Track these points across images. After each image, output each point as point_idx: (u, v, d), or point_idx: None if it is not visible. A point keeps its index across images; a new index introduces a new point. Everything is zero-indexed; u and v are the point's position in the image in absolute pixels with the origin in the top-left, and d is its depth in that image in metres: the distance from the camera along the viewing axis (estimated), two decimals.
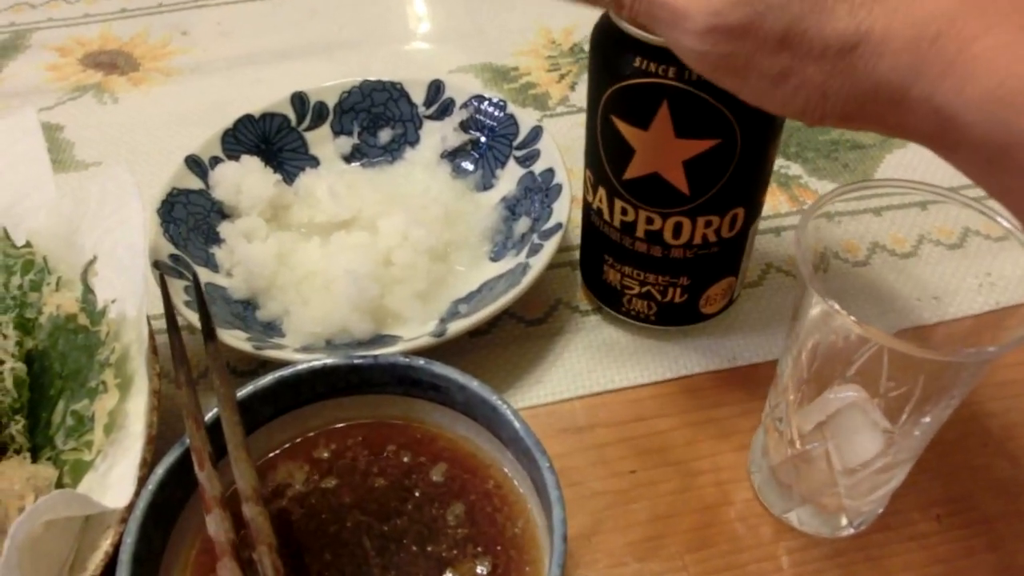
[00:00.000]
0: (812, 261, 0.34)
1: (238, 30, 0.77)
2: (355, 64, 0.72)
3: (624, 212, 0.42)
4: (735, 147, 0.38)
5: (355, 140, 0.58)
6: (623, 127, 0.39)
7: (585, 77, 0.69)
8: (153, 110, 0.67)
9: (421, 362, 0.37)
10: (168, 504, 0.34)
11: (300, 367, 0.38)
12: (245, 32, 0.77)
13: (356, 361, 0.38)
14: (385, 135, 0.58)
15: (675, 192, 0.40)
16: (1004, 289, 0.49)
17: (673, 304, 0.45)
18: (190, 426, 0.34)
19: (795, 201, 0.58)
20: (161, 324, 0.41)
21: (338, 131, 0.58)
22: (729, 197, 0.41)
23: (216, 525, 0.31)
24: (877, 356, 0.33)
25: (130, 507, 0.33)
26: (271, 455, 0.39)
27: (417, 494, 0.37)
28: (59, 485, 0.35)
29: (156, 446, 0.37)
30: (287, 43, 0.75)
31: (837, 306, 0.31)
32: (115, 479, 0.34)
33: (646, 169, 0.40)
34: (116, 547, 0.32)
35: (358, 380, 0.39)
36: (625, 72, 0.37)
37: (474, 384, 0.36)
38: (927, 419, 0.34)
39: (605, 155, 0.41)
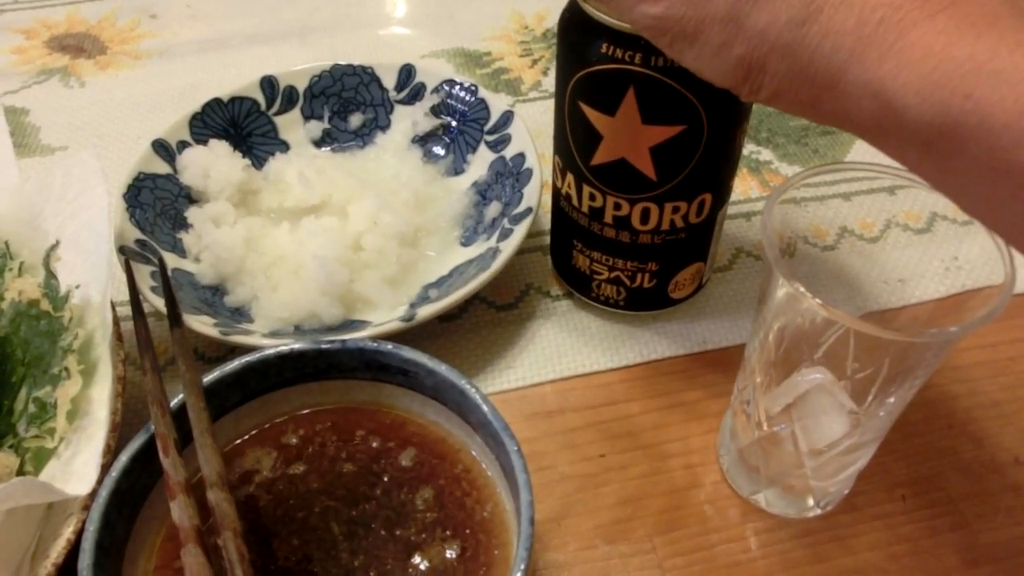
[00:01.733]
0: (779, 245, 0.34)
1: (208, 13, 0.76)
2: (327, 48, 0.71)
3: (592, 198, 0.42)
4: (702, 133, 0.38)
5: (325, 125, 0.57)
6: (590, 113, 0.39)
7: None
8: (121, 94, 0.67)
9: (389, 347, 0.37)
10: (133, 491, 0.34)
11: (267, 352, 0.37)
12: (215, 15, 0.76)
13: (324, 346, 0.38)
14: (356, 120, 0.58)
15: (642, 178, 0.40)
16: (970, 272, 0.49)
17: (642, 289, 0.46)
18: (155, 412, 0.34)
19: (765, 186, 0.58)
20: (128, 310, 0.41)
21: (308, 115, 0.57)
22: (696, 183, 0.41)
23: (180, 511, 0.31)
24: (843, 339, 0.33)
25: (93, 494, 0.32)
26: (239, 441, 0.38)
27: (386, 479, 0.37)
28: (21, 473, 0.35)
29: (121, 433, 0.36)
30: (258, 27, 0.74)
31: (803, 288, 0.31)
32: (78, 466, 0.34)
33: (613, 155, 0.40)
34: (79, 535, 0.32)
35: (326, 365, 0.38)
36: (592, 58, 0.37)
37: (442, 368, 0.36)
38: (892, 400, 0.34)
39: (573, 141, 0.41)
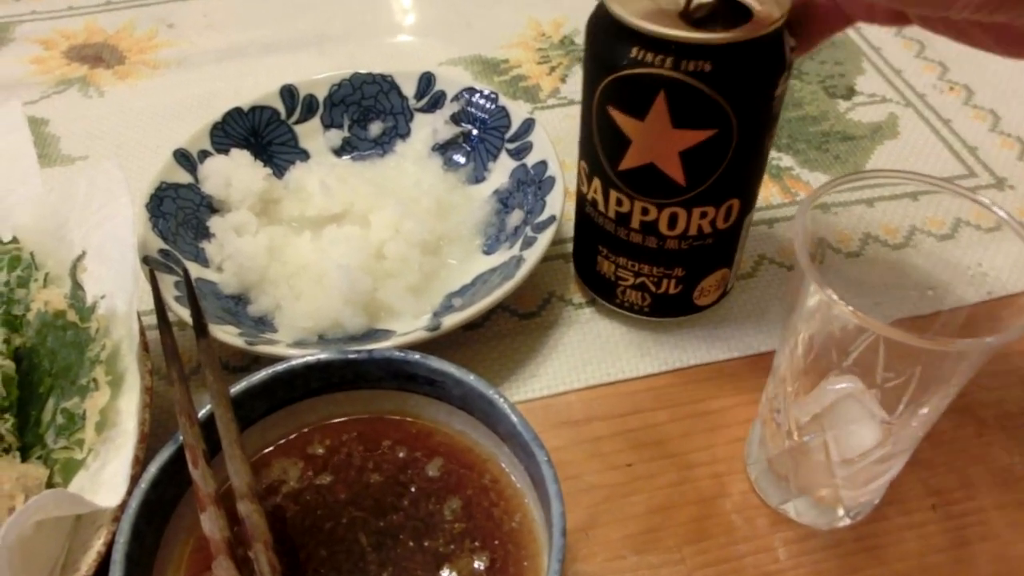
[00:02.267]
0: (810, 251, 0.34)
1: (225, 22, 0.76)
2: (344, 57, 0.72)
3: (619, 203, 0.42)
4: (731, 138, 0.38)
5: (345, 133, 0.57)
6: (619, 117, 0.39)
7: (576, 69, 0.69)
8: (140, 103, 0.67)
9: (417, 356, 0.37)
10: (161, 502, 0.34)
11: (294, 362, 0.37)
12: (232, 24, 0.76)
13: (351, 356, 0.37)
14: (376, 128, 0.58)
15: (671, 183, 0.40)
16: (996, 280, 0.49)
17: (667, 295, 0.45)
18: (183, 423, 0.34)
19: (787, 192, 0.58)
20: (152, 320, 0.41)
21: (328, 124, 0.57)
22: (725, 188, 0.40)
23: (211, 523, 0.31)
24: (874, 346, 0.33)
25: (123, 506, 0.32)
26: (265, 451, 0.38)
27: (413, 489, 0.37)
28: (50, 484, 0.35)
29: (149, 444, 0.36)
30: (275, 35, 0.74)
31: (835, 296, 0.31)
32: (107, 477, 0.34)
33: (642, 160, 0.39)
34: (109, 546, 0.32)
35: (353, 375, 0.38)
36: (621, 63, 0.37)
37: (471, 378, 0.36)
38: (924, 410, 0.34)
39: (600, 146, 0.41)
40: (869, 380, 0.34)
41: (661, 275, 0.44)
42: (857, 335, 0.33)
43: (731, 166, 0.39)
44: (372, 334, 0.45)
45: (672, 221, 0.41)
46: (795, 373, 0.36)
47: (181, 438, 0.34)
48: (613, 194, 0.42)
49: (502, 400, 0.35)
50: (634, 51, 0.36)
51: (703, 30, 0.36)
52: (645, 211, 0.41)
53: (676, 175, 0.39)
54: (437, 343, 0.46)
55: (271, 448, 0.39)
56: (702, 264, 0.44)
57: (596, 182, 0.42)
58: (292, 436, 0.39)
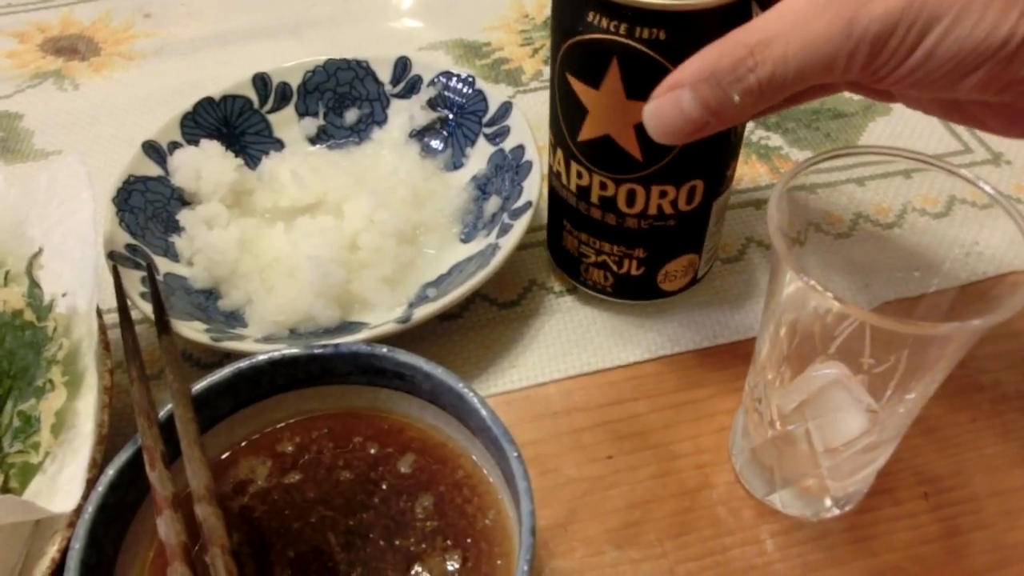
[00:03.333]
0: (789, 234, 0.32)
1: (204, 11, 0.75)
2: (324, 44, 0.70)
3: (579, 176, 0.41)
4: None
5: (321, 121, 0.56)
6: (576, 85, 0.37)
7: None
8: (116, 95, 0.65)
9: (384, 350, 0.36)
10: (121, 506, 0.33)
11: (258, 358, 0.36)
12: (211, 13, 0.74)
13: (316, 351, 0.36)
14: (352, 115, 0.56)
15: (628, 157, 0.38)
16: (991, 259, 0.47)
17: (630, 276, 0.44)
18: (141, 424, 0.32)
19: (776, 172, 0.56)
20: (118, 319, 0.39)
21: (303, 112, 0.56)
22: (685, 167, 0.39)
23: (167, 527, 0.30)
24: (859, 332, 0.31)
25: (78, 510, 0.31)
26: (232, 450, 0.37)
27: (384, 487, 0.36)
28: (5, 490, 0.34)
29: (111, 446, 0.35)
30: (255, 23, 0.73)
31: (813, 282, 0.29)
32: (64, 481, 0.32)
33: (598, 131, 0.38)
34: (64, 552, 0.30)
35: (320, 370, 0.37)
36: (577, 27, 0.36)
37: (439, 371, 0.35)
38: (911, 396, 0.32)
39: (561, 115, 0.40)
40: (855, 366, 0.33)
41: (622, 255, 0.43)
42: (840, 321, 0.31)
43: (691, 144, 0.37)
44: (345, 327, 0.44)
45: (630, 198, 0.40)
46: (776, 360, 0.34)
47: (140, 440, 0.33)
48: (574, 166, 0.40)
49: (472, 394, 0.34)
50: (590, 15, 0.35)
51: None
52: (603, 186, 0.40)
53: (632, 149, 0.38)
54: (414, 335, 0.45)
55: (239, 446, 0.37)
56: (665, 247, 0.43)
57: (559, 153, 0.41)
58: (260, 434, 0.38)
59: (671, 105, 0.32)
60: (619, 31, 0.34)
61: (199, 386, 0.35)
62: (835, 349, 0.33)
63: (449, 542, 0.34)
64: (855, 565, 0.37)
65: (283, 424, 0.38)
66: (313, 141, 0.56)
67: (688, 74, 0.31)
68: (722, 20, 0.34)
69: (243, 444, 0.37)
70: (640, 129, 0.36)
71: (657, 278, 0.44)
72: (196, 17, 0.74)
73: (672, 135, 0.33)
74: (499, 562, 0.33)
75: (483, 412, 0.34)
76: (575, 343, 0.46)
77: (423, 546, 0.34)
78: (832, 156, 0.34)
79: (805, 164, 0.33)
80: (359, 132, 0.56)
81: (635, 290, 0.45)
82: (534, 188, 0.46)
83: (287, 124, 0.56)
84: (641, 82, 0.35)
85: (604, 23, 0.35)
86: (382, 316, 0.45)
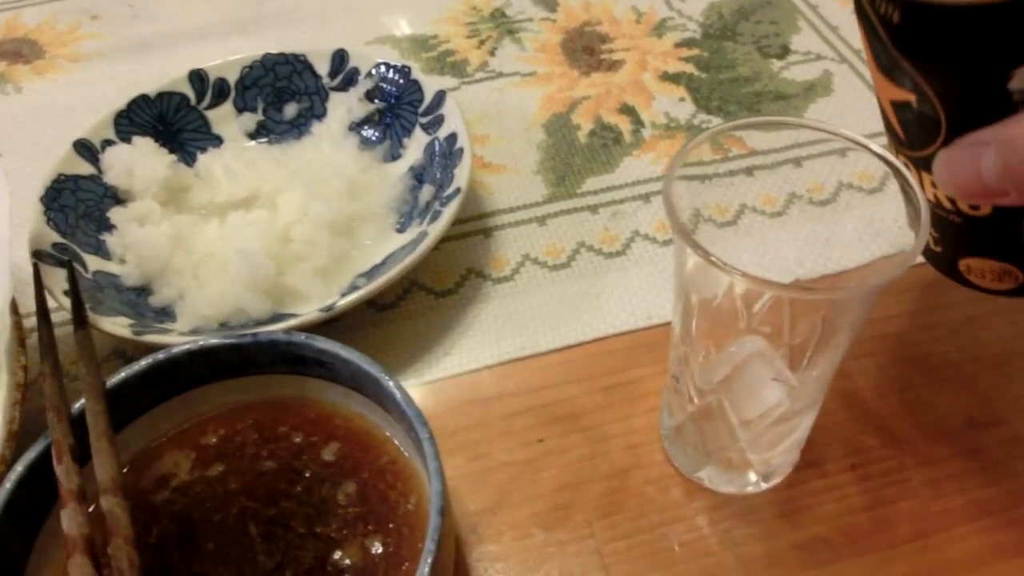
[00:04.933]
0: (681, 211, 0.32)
1: (150, 12, 0.74)
2: (272, 42, 0.70)
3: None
4: (936, 114, 0.31)
5: (260, 116, 0.56)
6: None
7: (506, 42, 0.67)
8: (59, 98, 0.65)
9: (302, 337, 0.36)
10: (34, 503, 0.32)
11: (175, 349, 0.36)
12: (158, 14, 0.74)
13: (234, 340, 0.36)
14: (291, 110, 0.56)
15: (894, 132, 0.35)
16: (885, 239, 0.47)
17: None
18: (51, 418, 0.32)
19: (720, 149, 0.56)
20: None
21: (241, 108, 0.56)
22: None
23: (69, 520, 0.29)
24: (776, 306, 0.31)
25: None
26: (156, 444, 0.37)
27: (307, 475, 0.36)
28: None
29: (26, 443, 0.35)
30: (203, 23, 0.72)
31: (715, 257, 0.29)
32: None
33: (879, 94, 0.34)
34: None
35: (241, 360, 0.37)
36: None
37: (355, 357, 0.35)
38: (820, 364, 0.32)
39: None
40: (776, 340, 0.33)
41: None
42: (758, 295, 0.31)
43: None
44: (277, 319, 0.44)
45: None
46: (693, 336, 0.34)
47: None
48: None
49: (387, 378, 0.34)
50: None
51: None
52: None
53: (896, 126, 0.34)
54: (349, 325, 0.45)
55: (162, 440, 0.37)
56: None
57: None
58: (185, 427, 0.38)
59: (967, 161, 0.28)
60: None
61: (114, 379, 0.35)
62: (756, 324, 0.33)
63: (371, 528, 0.34)
64: (781, 539, 0.37)
65: (208, 416, 0.38)
66: (253, 136, 0.56)
67: (999, 133, 0.27)
68: (956, 23, 0.28)
69: (167, 438, 0.37)
70: (896, 106, 0.33)
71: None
72: (143, 18, 0.74)
73: (961, 193, 0.30)
74: (420, 546, 0.33)
75: (397, 395, 0.33)
76: (510, 329, 0.46)
77: (344, 532, 0.34)
78: (734, 127, 0.34)
79: (703, 137, 0.33)
80: (299, 126, 0.56)
81: None
82: (464, 175, 0.46)
83: (226, 120, 0.55)
84: (881, 57, 0.31)
85: None
86: (315, 308, 0.44)
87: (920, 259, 0.33)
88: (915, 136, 0.33)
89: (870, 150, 0.32)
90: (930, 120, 0.31)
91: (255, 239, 0.45)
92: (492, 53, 0.67)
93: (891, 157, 0.31)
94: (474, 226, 0.51)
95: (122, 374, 0.35)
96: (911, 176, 0.30)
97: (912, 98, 0.31)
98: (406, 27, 0.70)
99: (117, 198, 0.50)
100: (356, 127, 0.55)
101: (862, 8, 0.31)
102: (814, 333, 0.32)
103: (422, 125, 0.52)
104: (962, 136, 0.30)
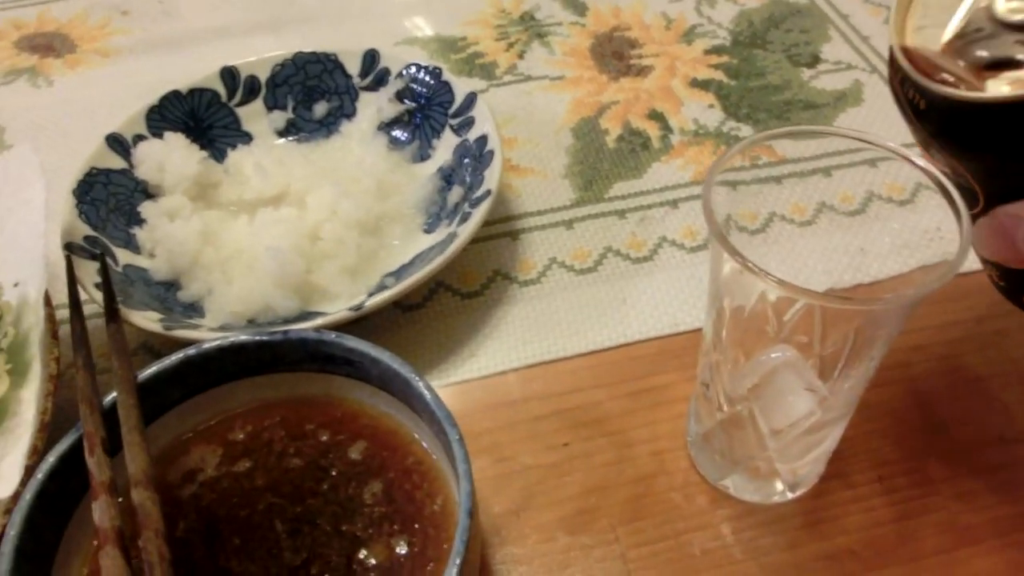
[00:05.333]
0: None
1: (180, 8, 0.75)
2: (300, 40, 0.70)
3: None
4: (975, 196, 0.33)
5: (289, 114, 0.56)
6: None
7: (535, 45, 0.67)
8: (90, 92, 0.65)
9: (332, 336, 0.36)
10: (64, 494, 0.33)
11: (206, 345, 0.36)
12: (188, 10, 0.75)
13: (264, 337, 0.36)
14: (321, 108, 0.56)
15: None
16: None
17: None
18: (83, 410, 0.32)
19: (750, 157, 0.56)
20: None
21: (272, 105, 0.56)
22: None
23: (101, 512, 0.30)
24: (808, 315, 0.31)
25: (16, 497, 0.31)
26: (184, 438, 0.37)
27: (334, 473, 0.36)
28: None
29: (58, 435, 0.35)
30: (232, 20, 0.73)
31: (752, 263, 0.29)
32: (3, 468, 0.32)
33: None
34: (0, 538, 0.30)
35: (270, 357, 0.37)
36: None
37: (385, 356, 0.35)
38: (853, 376, 0.32)
39: None
40: (807, 350, 0.33)
41: None
42: (789, 304, 0.31)
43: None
44: (305, 317, 0.44)
45: None
46: (724, 344, 0.34)
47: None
48: None
49: (417, 378, 0.34)
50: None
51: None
52: None
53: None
54: (376, 325, 0.45)
55: (190, 434, 0.37)
56: None
57: None
58: (213, 422, 0.38)
59: (1003, 231, 0.29)
60: (897, 79, 0.32)
61: (146, 373, 0.35)
62: (786, 332, 0.33)
63: (396, 527, 0.34)
64: (806, 549, 0.36)
65: (236, 412, 0.38)
66: (282, 134, 0.56)
67: None
68: (982, 114, 0.29)
69: (195, 432, 0.37)
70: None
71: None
72: (173, 15, 0.74)
73: (1000, 260, 0.31)
74: (446, 546, 0.33)
75: (427, 396, 0.34)
76: (536, 332, 0.46)
77: (370, 531, 0.34)
78: (768, 137, 0.34)
79: (743, 145, 0.33)
80: (328, 125, 0.56)
81: None
82: (494, 177, 0.46)
83: (256, 117, 0.56)
84: (916, 135, 0.33)
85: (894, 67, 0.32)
86: (342, 306, 0.45)
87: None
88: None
89: (911, 161, 0.31)
90: (967, 190, 0.32)
91: (284, 237, 0.45)
92: (521, 56, 0.67)
93: (933, 168, 0.31)
94: (501, 228, 0.51)
95: (154, 368, 0.35)
96: (951, 186, 0.30)
97: (949, 171, 0.32)
98: (431, 29, 0.70)
99: (148, 192, 0.50)
100: (385, 127, 0.55)
101: (894, 89, 0.32)
102: (846, 344, 0.32)
103: (452, 127, 0.52)
104: (998, 207, 0.31)
